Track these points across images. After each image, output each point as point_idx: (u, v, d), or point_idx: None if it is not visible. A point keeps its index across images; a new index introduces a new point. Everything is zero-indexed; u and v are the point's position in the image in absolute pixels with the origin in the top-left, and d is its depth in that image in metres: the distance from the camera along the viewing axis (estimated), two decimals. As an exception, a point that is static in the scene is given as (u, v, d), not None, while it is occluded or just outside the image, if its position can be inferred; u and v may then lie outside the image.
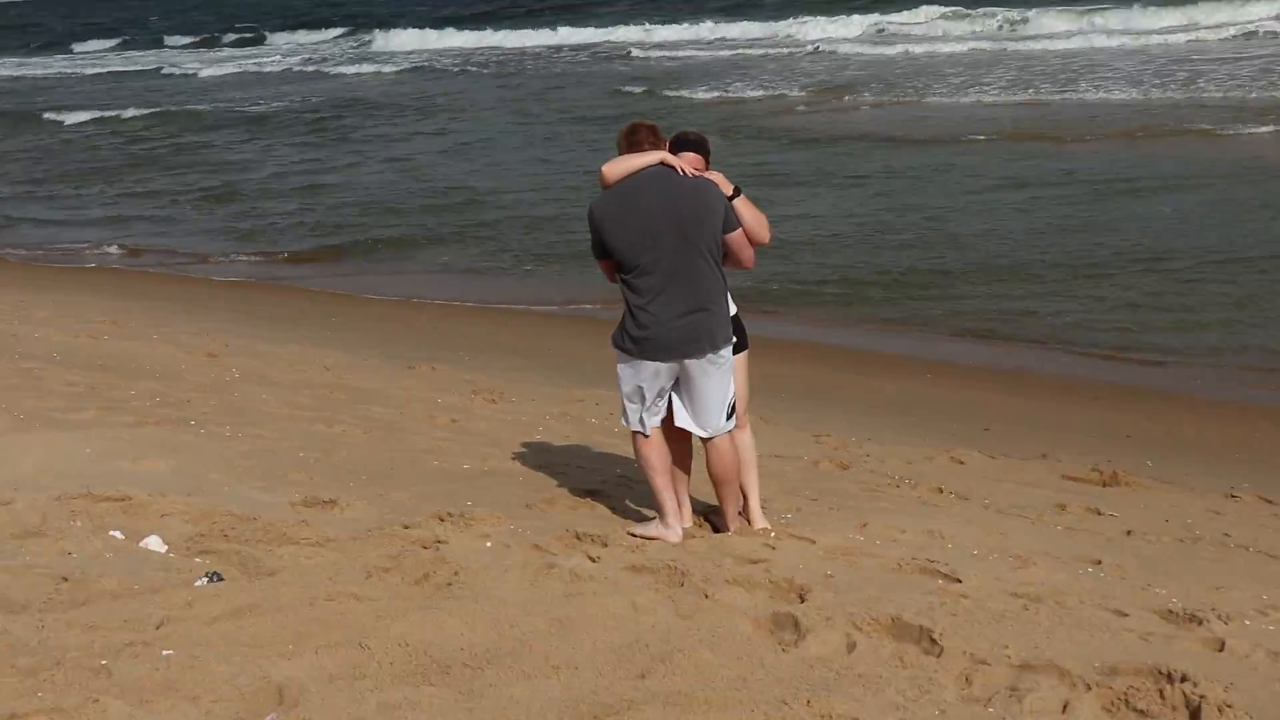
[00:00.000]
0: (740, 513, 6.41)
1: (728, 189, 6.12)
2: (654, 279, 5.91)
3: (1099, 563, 6.09)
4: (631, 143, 6.10)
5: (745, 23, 48.37)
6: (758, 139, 24.79)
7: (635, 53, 43.70)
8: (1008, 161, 20.95)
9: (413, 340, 13.24)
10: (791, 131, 25.47)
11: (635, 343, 5.98)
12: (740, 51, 41.35)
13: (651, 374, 6.03)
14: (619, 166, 6.00)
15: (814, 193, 19.71)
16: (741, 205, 6.15)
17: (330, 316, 14.50)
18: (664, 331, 5.93)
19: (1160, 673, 4.33)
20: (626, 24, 52.44)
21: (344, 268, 17.67)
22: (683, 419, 6.19)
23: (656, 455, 6.17)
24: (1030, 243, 15.71)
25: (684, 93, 32.06)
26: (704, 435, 6.15)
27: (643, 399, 6.10)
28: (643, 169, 5.97)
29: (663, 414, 6.18)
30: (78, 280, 16.85)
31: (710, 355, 6.00)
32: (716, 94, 31.64)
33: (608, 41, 48.27)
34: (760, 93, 31.46)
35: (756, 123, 26.88)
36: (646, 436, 6.18)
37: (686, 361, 5.99)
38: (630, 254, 5.91)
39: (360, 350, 12.37)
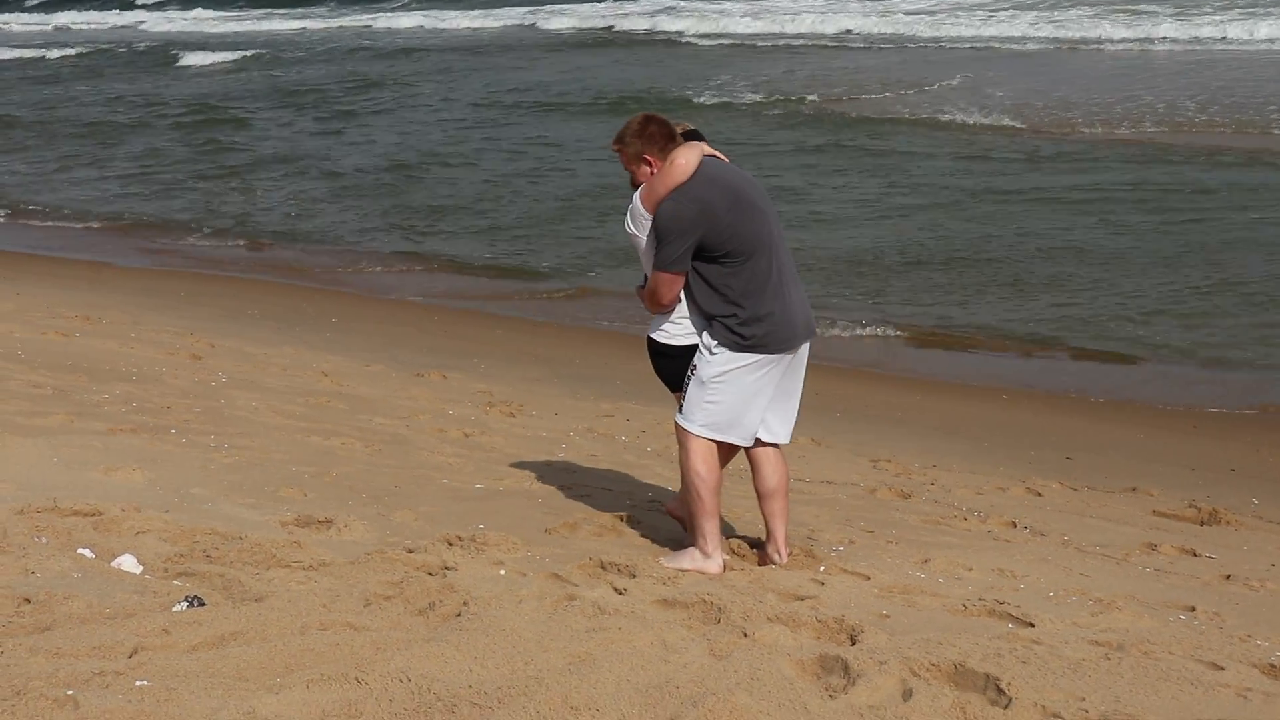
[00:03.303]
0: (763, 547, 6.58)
1: None
2: (771, 262, 6.12)
3: (1192, 609, 6.09)
4: (645, 135, 6.18)
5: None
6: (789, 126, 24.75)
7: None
8: (1104, 165, 20.88)
9: (422, 344, 13.33)
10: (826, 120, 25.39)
11: (766, 333, 6.10)
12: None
13: (778, 368, 6.20)
14: (691, 154, 6.08)
15: (872, 195, 19.70)
16: None
17: (330, 316, 14.61)
18: (791, 316, 6.15)
19: (1258, 733, 4.33)
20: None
21: (339, 262, 17.81)
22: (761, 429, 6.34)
23: (714, 470, 6.28)
24: (1119, 255, 15.66)
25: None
26: (783, 441, 6.40)
27: (754, 402, 6.19)
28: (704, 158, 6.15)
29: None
30: (48, 270, 17.01)
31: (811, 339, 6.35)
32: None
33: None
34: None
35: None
36: (741, 446, 6.31)
37: (802, 348, 6.27)
38: (749, 240, 6.06)
39: (363, 354, 12.48)
